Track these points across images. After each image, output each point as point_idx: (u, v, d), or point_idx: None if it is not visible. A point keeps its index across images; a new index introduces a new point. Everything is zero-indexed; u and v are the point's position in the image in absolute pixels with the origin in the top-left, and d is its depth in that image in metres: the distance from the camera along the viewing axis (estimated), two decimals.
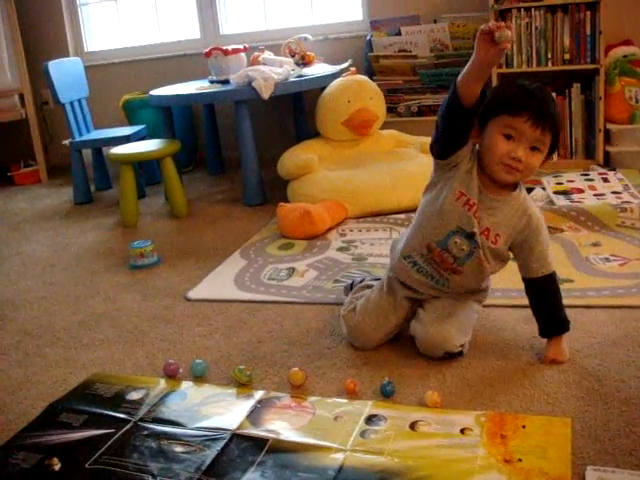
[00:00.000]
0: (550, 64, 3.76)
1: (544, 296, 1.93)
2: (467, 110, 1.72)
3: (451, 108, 1.75)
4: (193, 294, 2.61)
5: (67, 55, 5.08)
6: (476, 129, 1.81)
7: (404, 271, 2.00)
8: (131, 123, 4.65)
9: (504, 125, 1.76)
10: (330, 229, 3.13)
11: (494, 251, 1.89)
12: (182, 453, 1.62)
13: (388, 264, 2.13)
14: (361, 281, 2.27)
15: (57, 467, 1.61)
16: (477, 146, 1.85)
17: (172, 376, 2.00)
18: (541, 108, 1.74)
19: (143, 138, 4.24)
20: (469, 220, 1.85)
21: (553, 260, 1.90)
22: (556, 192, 3.28)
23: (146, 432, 1.72)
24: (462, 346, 1.92)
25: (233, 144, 4.29)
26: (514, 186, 1.89)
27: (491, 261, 1.91)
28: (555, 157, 3.82)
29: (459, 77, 1.73)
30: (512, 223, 1.87)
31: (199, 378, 1.98)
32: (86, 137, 4.32)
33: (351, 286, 2.29)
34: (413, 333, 1.98)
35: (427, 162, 3.38)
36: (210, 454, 1.60)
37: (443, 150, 1.86)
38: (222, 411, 1.79)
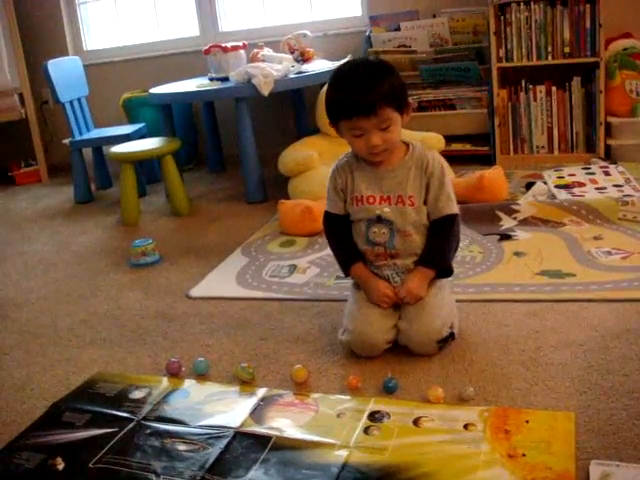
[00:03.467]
0: (550, 58, 3.74)
1: (437, 233, 1.97)
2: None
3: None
4: (195, 292, 2.61)
5: (66, 54, 5.07)
6: (338, 129, 1.93)
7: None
8: (131, 121, 4.64)
9: (347, 129, 1.88)
10: None
11: (408, 214, 1.93)
12: (185, 451, 1.62)
13: None
14: None
15: (61, 467, 1.61)
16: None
17: (175, 374, 2.00)
18: (361, 99, 1.80)
19: (143, 136, 4.23)
20: (367, 209, 1.96)
21: (453, 204, 1.96)
22: (557, 186, 3.28)
23: (149, 431, 1.72)
24: (451, 327, 1.94)
25: (233, 141, 4.27)
26: (405, 149, 1.97)
27: (412, 228, 1.95)
28: (556, 152, 3.83)
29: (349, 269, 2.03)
30: (416, 182, 1.94)
31: (202, 376, 1.98)
32: (86, 136, 4.32)
33: None
34: (402, 342, 1.97)
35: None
36: (213, 452, 1.60)
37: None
38: (225, 409, 1.79)
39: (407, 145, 1.98)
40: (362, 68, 1.87)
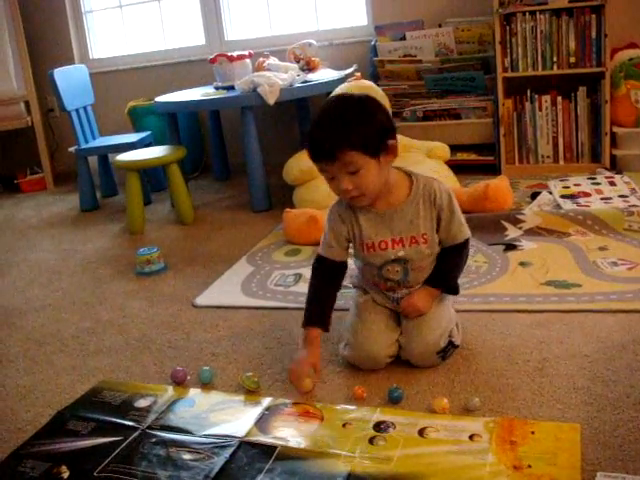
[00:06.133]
0: (555, 68, 3.74)
1: (449, 257, 1.97)
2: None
3: None
4: (200, 301, 2.61)
5: (72, 62, 5.10)
6: None
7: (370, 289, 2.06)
8: (137, 130, 4.66)
9: (319, 171, 1.85)
10: None
11: (423, 252, 1.92)
12: (190, 461, 1.62)
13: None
14: None
15: (65, 475, 1.61)
16: None
17: (180, 383, 2.00)
18: (323, 145, 1.77)
19: (149, 145, 4.25)
20: (380, 255, 1.92)
21: (465, 228, 1.95)
22: (563, 196, 3.28)
23: (154, 440, 1.71)
24: (450, 336, 1.93)
25: (239, 150, 4.29)
26: (409, 184, 1.91)
27: (427, 263, 1.95)
28: (561, 162, 3.83)
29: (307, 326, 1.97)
30: (427, 218, 1.90)
31: (207, 385, 1.98)
32: (92, 144, 4.33)
33: None
34: (403, 357, 1.96)
35: (434, 166, 3.39)
36: (218, 461, 1.60)
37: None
38: (230, 418, 1.78)
39: (409, 178, 1.93)
40: (336, 110, 1.81)
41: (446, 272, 1.99)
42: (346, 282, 2.08)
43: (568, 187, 3.42)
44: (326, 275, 2.00)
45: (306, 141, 1.83)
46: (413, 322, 1.94)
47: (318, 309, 1.97)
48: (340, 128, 1.75)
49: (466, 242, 1.97)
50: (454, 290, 2.04)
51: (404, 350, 1.95)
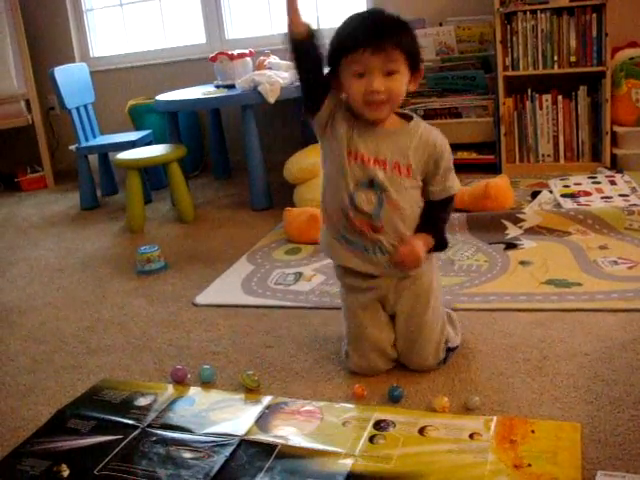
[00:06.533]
0: (556, 67, 3.74)
1: (439, 208, 1.88)
2: (299, 42, 1.81)
3: (290, 43, 1.86)
4: (200, 299, 2.61)
5: (73, 61, 5.11)
6: (336, 82, 1.79)
7: (341, 253, 1.91)
8: (137, 128, 4.66)
9: (349, 65, 1.72)
10: None
11: (402, 186, 1.80)
12: (190, 459, 1.62)
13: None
14: None
15: (66, 474, 1.61)
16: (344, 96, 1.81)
17: (180, 382, 2.00)
18: (375, 32, 1.69)
19: (149, 143, 4.25)
20: (363, 170, 1.79)
21: (457, 182, 1.88)
22: (563, 195, 3.28)
23: (154, 438, 1.71)
24: (446, 343, 1.92)
25: (239, 148, 4.29)
26: (408, 118, 1.85)
27: (404, 200, 1.81)
28: (562, 160, 3.83)
29: None
30: (417, 153, 1.81)
31: (207, 384, 1.98)
32: (92, 142, 4.33)
33: None
34: (402, 362, 1.94)
35: None
36: (219, 460, 1.60)
37: (310, 101, 1.85)
38: (230, 417, 1.78)
39: (409, 116, 1.86)
40: (384, 13, 1.75)
41: (436, 223, 1.88)
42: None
43: (568, 186, 3.42)
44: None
45: (342, 31, 1.75)
46: (411, 335, 1.90)
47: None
48: (396, 27, 1.71)
49: (454, 196, 1.90)
50: (444, 243, 1.91)
51: (402, 357, 1.94)
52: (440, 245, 1.91)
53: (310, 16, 1.80)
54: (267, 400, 1.84)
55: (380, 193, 1.79)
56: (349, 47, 1.71)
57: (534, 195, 3.35)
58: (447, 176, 1.85)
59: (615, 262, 2.52)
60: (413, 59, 1.75)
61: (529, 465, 1.47)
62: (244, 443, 1.65)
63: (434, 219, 1.88)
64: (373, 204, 1.80)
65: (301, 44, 1.80)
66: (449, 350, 1.94)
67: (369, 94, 1.72)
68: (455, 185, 1.88)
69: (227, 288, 2.70)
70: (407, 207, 1.82)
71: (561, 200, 3.20)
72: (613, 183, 3.40)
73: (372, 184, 1.79)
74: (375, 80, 1.70)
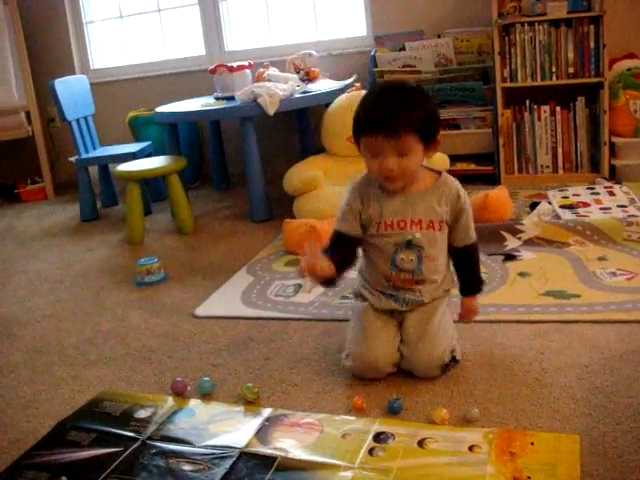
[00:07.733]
0: (554, 78, 3.76)
1: (466, 261, 2.05)
2: (330, 280, 1.94)
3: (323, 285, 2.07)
4: (200, 311, 2.62)
5: (73, 73, 5.12)
6: (357, 144, 1.90)
7: (369, 298, 2.04)
8: (137, 140, 4.67)
9: (365, 145, 1.85)
10: None
11: (437, 239, 1.95)
12: (190, 472, 1.62)
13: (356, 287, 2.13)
14: None
15: None
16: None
17: (180, 394, 2.00)
18: (387, 117, 1.79)
19: (149, 155, 4.26)
20: (401, 234, 1.92)
21: (474, 231, 2.00)
22: (562, 206, 3.28)
23: (154, 450, 1.72)
24: (452, 352, 1.94)
25: (239, 160, 4.30)
26: (435, 176, 1.97)
27: (437, 251, 1.96)
28: (561, 171, 3.84)
29: None
30: (446, 206, 1.94)
31: (207, 396, 1.98)
32: (92, 154, 4.34)
33: None
34: (404, 367, 1.95)
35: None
36: (218, 472, 1.60)
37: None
38: (230, 429, 1.78)
39: (435, 172, 1.98)
40: (399, 90, 1.86)
41: (475, 271, 2.07)
42: (347, 293, 2.08)
43: (567, 197, 3.43)
44: (343, 246, 1.97)
45: (360, 111, 1.86)
46: (417, 333, 1.94)
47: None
48: (408, 108, 1.79)
49: (477, 243, 2.04)
50: (480, 286, 2.10)
51: (406, 361, 1.95)
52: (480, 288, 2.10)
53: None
54: (267, 412, 1.84)
55: (418, 251, 1.93)
56: (364, 130, 1.83)
57: (533, 206, 3.36)
58: (470, 224, 1.98)
59: (614, 273, 2.52)
60: (427, 135, 1.84)
61: (528, 477, 1.47)
62: (244, 455, 1.65)
63: (471, 268, 2.07)
64: (414, 262, 1.94)
65: (332, 279, 1.95)
66: (454, 360, 1.95)
67: (382, 172, 1.85)
68: (474, 233, 2.01)
69: (227, 300, 2.70)
70: (441, 256, 1.98)
71: (560, 211, 3.21)
72: (612, 194, 3.41)
73: (410, 244, 1.93)
74: (388, 161, 1.82)
